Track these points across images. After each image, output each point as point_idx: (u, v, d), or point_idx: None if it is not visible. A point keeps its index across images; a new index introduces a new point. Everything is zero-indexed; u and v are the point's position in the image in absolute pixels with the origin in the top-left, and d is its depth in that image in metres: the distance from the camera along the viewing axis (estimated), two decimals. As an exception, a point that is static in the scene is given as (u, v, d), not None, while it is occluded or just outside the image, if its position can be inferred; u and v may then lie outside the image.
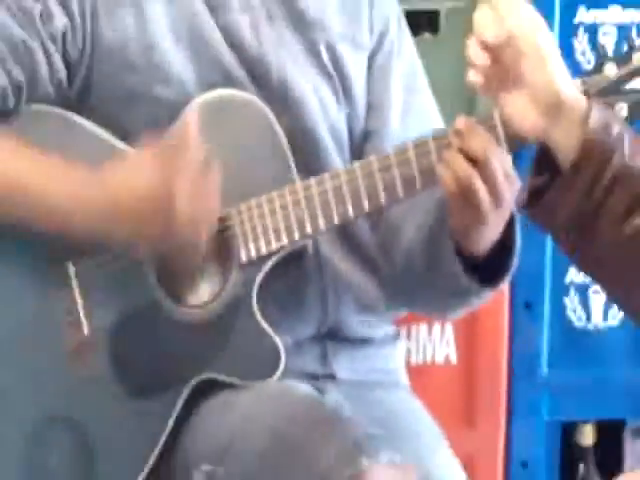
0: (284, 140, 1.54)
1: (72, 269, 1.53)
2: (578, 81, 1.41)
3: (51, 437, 1.61)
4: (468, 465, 1.69)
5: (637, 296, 1.37)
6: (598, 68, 1.44)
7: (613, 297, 1.48)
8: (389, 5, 1.76)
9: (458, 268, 1.49)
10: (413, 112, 1.71)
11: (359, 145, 1.66)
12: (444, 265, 1.54)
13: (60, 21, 1.54)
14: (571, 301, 2.33)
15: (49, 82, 1.56)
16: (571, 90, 1.25)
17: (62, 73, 1.56)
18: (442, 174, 1.41)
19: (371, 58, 1.70)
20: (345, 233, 1.62)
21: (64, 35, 1.55)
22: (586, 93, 1.35)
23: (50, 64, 1.55)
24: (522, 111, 1.21)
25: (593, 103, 1.24)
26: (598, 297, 2.32)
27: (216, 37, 1.58)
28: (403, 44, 1.75)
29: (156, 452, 1.54)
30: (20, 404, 1.60)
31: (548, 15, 2.14)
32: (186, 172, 1.44)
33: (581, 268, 1.46)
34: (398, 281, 1.68)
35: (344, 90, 1.65)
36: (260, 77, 1.58)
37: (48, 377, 1.59)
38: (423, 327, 2.21)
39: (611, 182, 1.24)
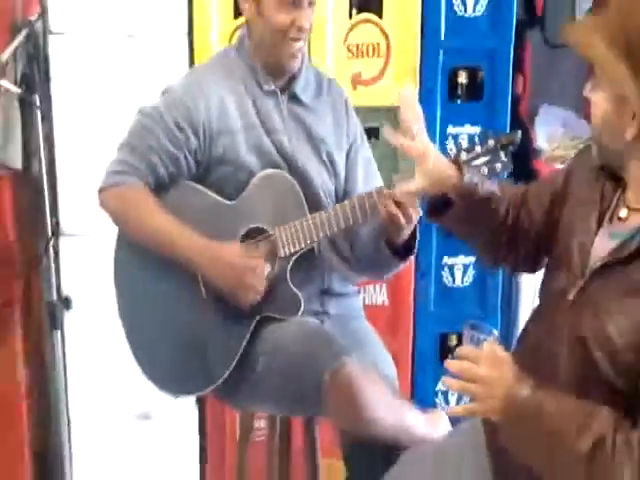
0: (302, 197, 1.90)
1: None
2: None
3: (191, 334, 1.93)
4: (394, 358, 2.03)
5: (475, 244, 1.78)
6: (457, 155, 1.72)
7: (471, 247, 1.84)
8: (355, 117, 2.07)
9: (388, 253, 1.90)
10: (369, 177, 2.05)
11: (341, 198, 2.00)
12: (382, 251, 1.91)
13: (193, 143, 1.87)
14: (445, 272, 2.67)
15: (187, 172, 1.90)
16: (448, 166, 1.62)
17: (193, 167, 1.90)
18: (381, 210, 1.80)
19: (347, 152, 2.03)
20: (332, 241, 1.99)
21: (196, 149, 1.88)
22: (457, 163, 1.66)
23: (187, 163, 1.89)
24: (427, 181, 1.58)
25: (464, 168, 1.60)
26: (459, 272, 2.66)
27: (270, 146, 1.92)
28: (363, 138, 2.09)
29: (242, 348, 1.89)
30: (174, 324, 1.94)
31: (432, 128, 2.41)
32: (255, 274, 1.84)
33: (455, 235, 1.75)
34: (359, 262, 2.03)
35: (335, 173, 2.01)
36: (291, 166, 1.93)
37: (191, 310, 1.92)
38: (370, 287, 2.56)
39: (480, 203, 1.60)
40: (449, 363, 1.39)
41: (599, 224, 1.47)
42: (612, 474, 1.28)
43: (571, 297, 1.45)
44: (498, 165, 1.70)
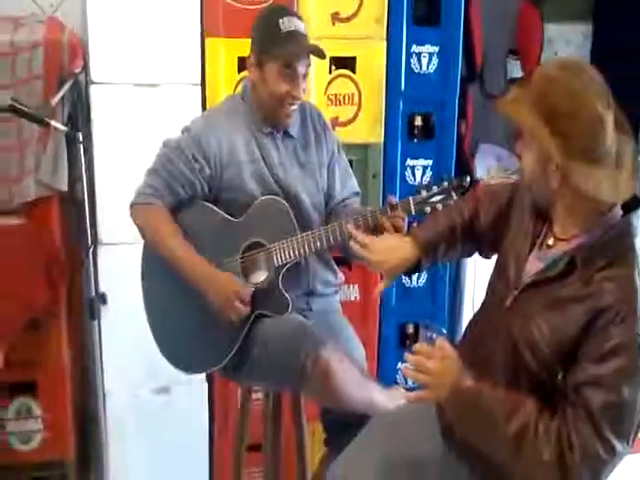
0: (294, 218, 1.88)
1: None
2: (410, 198, 1.79)
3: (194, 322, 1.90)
4: (363, 344, 2.02)
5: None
6: (418, 192, 1.79)
7: None
8: (331, 131, 2.05)
9: None
10: (345, 183, 2.05)
11: (326, 204, 2.00)
12: None
13: (207, 171, 1.87)
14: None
15: (201, 194, 1.89)
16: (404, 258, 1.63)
17: (207, 191, 1.89)
18: (385, 224, 1.79)
19: (328, 166, 2.02)
20: (318, 253, 1.95)
21: (209, 177, 1.88)
22: (407, 208, 1.77)
23: (202, 188, 1.88)
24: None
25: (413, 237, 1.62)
26: (414, 275, 2.46)
27: (269, 177, 1.91)
28: (340, 149, 2.06)
29: (241, 338, 1.87)
30: (186, 316, 1.91)
31: (395, 161, 2.51)
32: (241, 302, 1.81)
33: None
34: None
35: (321, 187, 1.98)
36: (286, 193, 1.92)
37: (202, 307, 1.85)
38: (345, 286, 2.47)
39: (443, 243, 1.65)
40: (407, 356, 1.39)
41: (531, 248, 1.47)
42: (533, 455, 1.29)
43: (507, 304, 1.45)
44: (450, 202, 1.73)
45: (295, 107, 1.89)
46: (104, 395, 2.35)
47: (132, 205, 1.90)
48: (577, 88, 1.32)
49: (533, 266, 1.45)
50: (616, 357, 1.27)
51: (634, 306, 1.30)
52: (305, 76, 1.86)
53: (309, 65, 1.86)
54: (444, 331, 1.43)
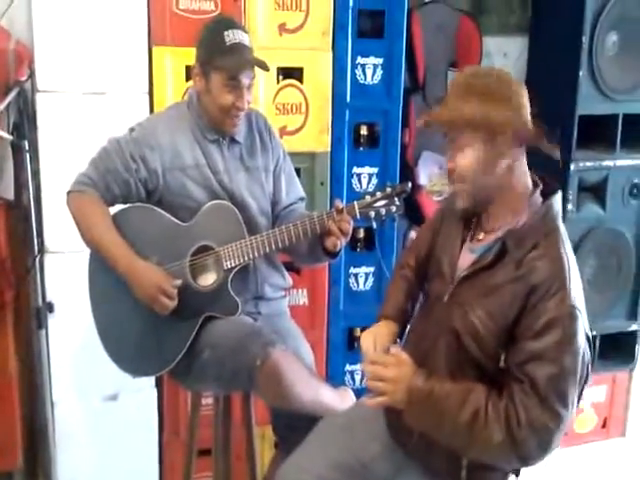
0: (241, 221, 1.88)
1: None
2: (355, 202, 1.83)
3: (147, 332, 1.87)
4: (312, 347, 2.05)
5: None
6: (362, 197, 1.83)
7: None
8: (277, 138, 2.06)
9: (325, 256, 1.92)
10: (290, 189, 2.06)
11: (272, 210, 2.00)
12: (319, 255, 1.92)
13: (143, 173, 1.85)
14: (351, 279, 2.63)
15: (137, 196, 1.88)
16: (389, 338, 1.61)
17: (143, 194, 1.87)
18: (333, 228, 1.81)
19: (274, 171, 2.02)
20: (267, 258, 1.98)
21: (145, 179, 1.86)
22: (353, 212, 1.80)
23: (137, 189, 1.87)
24: None
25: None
26: (362, 279, 2.63)
27: (215, 183, 1.91)
28: (285, 155, 2.06)
29: (190, 340, 1.86)
30: (134, 320, 1.88)
31: (342, 169, 2.53)
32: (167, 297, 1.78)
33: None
34: (299, 259, 2.06)
35: (267, 192, 1.98)
36: (231, 197, 1.92)
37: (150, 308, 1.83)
38: (294, 291, 2.50)
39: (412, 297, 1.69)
40: (365, 367, 1.44)
41: (462, 245, 1.53)
42: (487, 436, 1.35)
43: (445, 299, 1.50)
44: (393, 208, 1.78)
45: (239, 117, 1.90)
46: (52, 404, 2.32)
47: (68, 192, 1.88)
48: (507, 77, 1.44)
49: (466, 259, 1.51)
50: (553, 330, 1.33)
51: (564, 280, 1.35)
52: (250, 87, 1.88)
53: (253, 77, 1.88)
54: (399, 340, 1.49)
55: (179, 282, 1.84)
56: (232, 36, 1.82)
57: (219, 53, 1.82)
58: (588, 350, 1.38)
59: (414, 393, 1.39)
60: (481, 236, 1.50)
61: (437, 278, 1.55)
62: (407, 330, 1.68)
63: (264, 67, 1.88)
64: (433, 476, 1.54)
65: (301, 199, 2.10)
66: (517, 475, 1.51)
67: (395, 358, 1.43)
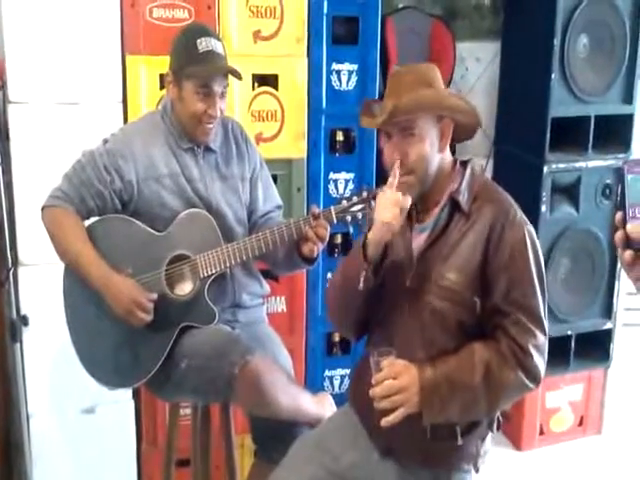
0: (217, 229, 1.88)
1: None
2: (332, 207, 1.82)
3: (123, 344, 1.87)
4: (291, 353, 2.06)
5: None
6: (339, 202, 1.82)
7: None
8: (254, 146, 2.06)
9: (302, 262, 1.90)
10: (267, 197, 2.05)
11: (249, 218, 2.00)
12: (296, 261, 1.91)
13: (117, 184, 1.85)
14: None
15: (112, 207, 1.87)
16: None
17: (119, 205, 1.87)
18: (309, 234, 1.80)
19: (250, 179, 2.02)
20: (244, 265, 1.98)
21: (120, 190, 1.85)
22: (329, 217, 1.79)
23: (112, 201, 1.86)
24: None
25: None
26: None
27: (190, 192, 1.90)
28: (262, 164, 2.06)
29: (167, 350, 1.85)
30: (110, 332, 1.87)
31: (318, 174, 2.54)
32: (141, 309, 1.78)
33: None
34: (276, 267, 2.05)
35: (243, 200, 1.98)
36: (207, 205, 1.91)
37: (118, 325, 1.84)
38: (272, 298, 2.51)
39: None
40: (375, 391, 1.43)
41: (411, 232, 1.60)
42: (504, 381, 1.44)
43: (408, 283, 1.54)
44: (370, 211, 1.75)
45: (212, 125, 1.89)
46: (28, 418, 2.29)
47: (42, 208, 1.87)
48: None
49: (420, 240, 1.57)
50: (519, 254, 1.48)
51: (509, 209, 1.52)
52: (222, 95, 1.87)
53: (226, 85, 1.88)
54: (394, 350, 1.46)
55: (155, 296, 1.83)
56: (205, 44, 1.82)
57: (191, 61, 1.82)
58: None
59: (427, 388, 1.42)
60: (426, 215, 1.59)
61: (394, 272, 1.57)
62: (386, 337, 1.63)
63: (237, 75, 1.87)
64: (410, 473, 1.58)
65: (278, 207, 2.09)
66: (493, 430, 1.60)
67: (396, 367, 1.44)
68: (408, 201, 1.48)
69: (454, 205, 1.55)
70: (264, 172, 2.08)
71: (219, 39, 1.90)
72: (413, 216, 1.61)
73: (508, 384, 1.44)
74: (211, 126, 1.89)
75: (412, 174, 1.54)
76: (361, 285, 1.50)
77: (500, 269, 1.48)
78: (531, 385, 1.48)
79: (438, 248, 1.53)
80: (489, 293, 1.48)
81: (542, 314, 1.49)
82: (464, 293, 1.48)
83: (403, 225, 1.55)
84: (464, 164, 1.62)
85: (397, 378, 1.42)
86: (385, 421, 1.43)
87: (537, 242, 1.53)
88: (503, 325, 1.47)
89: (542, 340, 1.48)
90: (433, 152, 1.55)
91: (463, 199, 1.54)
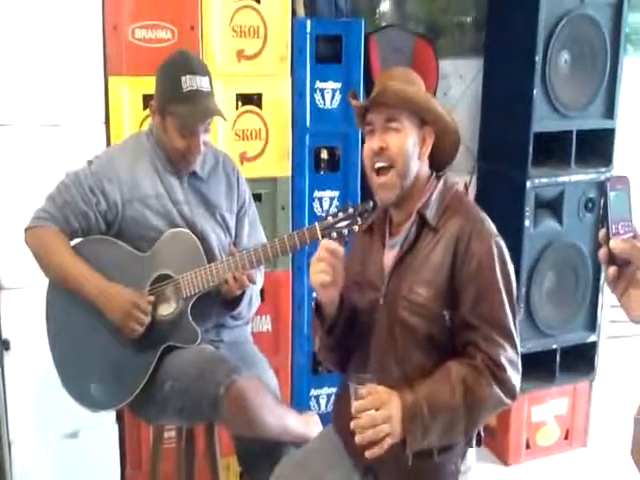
0: (201, 249, 1.89)
1: None
2: (317, 223, 1.82)
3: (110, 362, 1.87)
4: (276, 373, 2.06)
5: None
6: (324, 218, 1.81)
7: None
8: (245, 184, 2.07)
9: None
10: (252, 233, 2.07)
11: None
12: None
13: (104, 206, 1.86)
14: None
15: (97, 228, 1.87)
16: None
17: (103, 226, 1.87)
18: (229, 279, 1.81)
19: (237, 213, 2.03)
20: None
21: (105, 211, 1.86)
22: (314, 234, 1.79)
23: (97, 222, 1.87)
24: None
25: None
26: None
27: (175, 213, 1.91)
28: (251, 201, 2.09)
29: (150, 371, 1.85)
30: (93, 352, 1.88)
31: (303, 193, 2.54)
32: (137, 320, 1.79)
33: None
34: None
35: (227, 231, 2.00)
36: (191, 227, 1.91)
37: (107, 340, 1.86)
38: (257, 317, 2.50)
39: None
40: (356, 423, 1.37)
41: (383, 248, 1.60)
42: (482, 396, 1.41)
43: (381, 301, 1.53)
44: (355, 227, 1.76)
45: (196, 158, 1.90)
46: (9, 443, 2.26)
47: (26, 229, 1.86)
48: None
49: (390, 256, 1.56)
50: (486, 264, 1.46)
51: (477, 220, 1.50)
52: (206, 130, 1.87)
53: (210, 122, 1.87)
54: (373, 377, 1.42)
55: (152, 298, 1.82)
56: (189, 82, 1.80)
57: (174, 99, 1.81)
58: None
59: (408, 414, 1.38)
60: (395, 231, 1.58)
61: (368, 289, 1.57)
62: (361, 356, 1.62)
63: (220, 116, 1.86)
64: None
65: (262, 246, 2.06)
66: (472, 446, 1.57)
67: (380, 395, 1.39)
68: (332, 243, 1.48)
69: (422, 219, 1.54)
70: (252, 210, 2.09)
71: (205, 73, 1.87)
72: (386, 232, 1.60)
73: (486, 399, 1.42)
74: (194, 159, 1.90)
75: (392, 169, 1.52)
76: (317, 347, 1.56)
77: (467, 281, 1.46)
78: (507, 400, 1.46)
79: (408, 263, 1.52)
80: (457, 305, 1.47)
81: (512, 328, 1.46)
82: (433, 307, 1.47)
83: (374, 247, 1.57)
84: (439, 178, 1.62)
85: (381, 408, 1.37)
86: (371, 452, 1.37)
87: (506, 254, 1.51)
88: (474, 340, 1.45)
89: (512, 354, 1.45)
90: (414, 152, 1.54)
91: (430, 213, 1.53)
